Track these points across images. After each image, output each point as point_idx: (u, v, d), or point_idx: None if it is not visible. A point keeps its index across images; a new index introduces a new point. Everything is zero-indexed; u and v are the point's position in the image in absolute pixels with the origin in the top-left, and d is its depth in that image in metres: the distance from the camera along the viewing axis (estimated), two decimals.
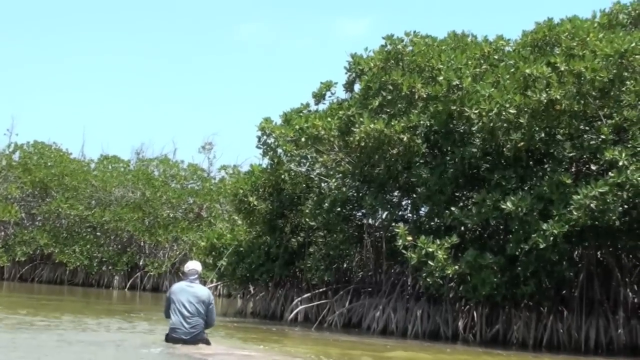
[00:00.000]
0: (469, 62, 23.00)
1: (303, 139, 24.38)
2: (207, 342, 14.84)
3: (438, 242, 21.81)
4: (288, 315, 26.83)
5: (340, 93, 26.73)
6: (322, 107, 27.48)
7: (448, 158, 23.39)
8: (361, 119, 23.27)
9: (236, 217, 47.45)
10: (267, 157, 26.70)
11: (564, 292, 23.41)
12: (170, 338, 14.66)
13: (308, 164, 25.89)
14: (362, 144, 23.34)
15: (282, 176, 26.90)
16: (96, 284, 48.72)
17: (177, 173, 51.80)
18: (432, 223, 24.01)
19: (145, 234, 47.03)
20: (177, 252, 47.43)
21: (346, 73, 26.28)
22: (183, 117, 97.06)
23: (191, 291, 14.64)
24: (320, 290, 26.84)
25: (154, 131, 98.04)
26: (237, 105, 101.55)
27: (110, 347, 15.20)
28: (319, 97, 26.99)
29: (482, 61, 23.69)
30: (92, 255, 48.05)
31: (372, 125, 22.83)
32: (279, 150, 26.28)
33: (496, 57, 24.07)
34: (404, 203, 25.47)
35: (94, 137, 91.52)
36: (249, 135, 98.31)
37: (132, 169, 52.84)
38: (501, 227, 23.14)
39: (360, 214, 26.28)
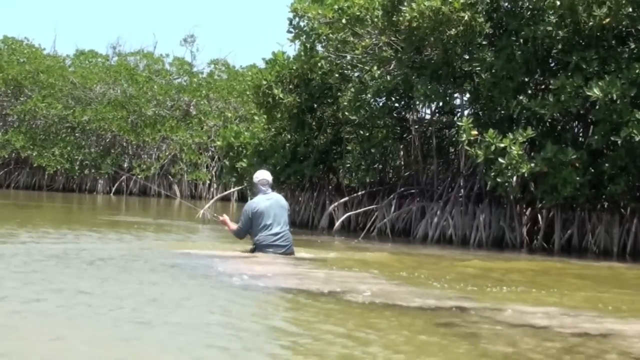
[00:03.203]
0: None
1: (344, 20, 21.48)
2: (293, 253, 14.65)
3: (511, 136, 19.13)
4: (325, 223, 24.25)
5: None
6: None
7: (514, 39, 20.58)
8: None
9: (230, 114, 45.20)
10: (299, 42, 23.68)
11: None
12: (265, 252, 14.31)
13: (348, 49, 22.82)
14: (414, 24, 20.57)
15: (319, 64, 23.87)
16: (77, 189, 46.35)
17: (162, 68, 48.73)
18: (494, 115, 21.24)
19: (130, 134, 44.25)
20: (167, 153, 44.63)
21: None
22: (161, 9, 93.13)
23: (275, 203, 14.43)
24: (359, 193, 24.17)
25: (130, 25, 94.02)
26: None
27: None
28: None
29: None
30: (73, 157, 45.87)
31: (426, 3, 19.98)
32: (313, 35, 23.18)
33: None
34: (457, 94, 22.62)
35: (65, 32, 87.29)
36: (231, 27, 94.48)
37: (112, 64, 49.60)
38: (586, 117, 20.40)
39: (404, 105, 23.42)
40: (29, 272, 11.75)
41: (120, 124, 44.93)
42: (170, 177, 45.77)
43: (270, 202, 14.39)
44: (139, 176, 44.92)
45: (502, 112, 21.04)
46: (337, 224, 23.67)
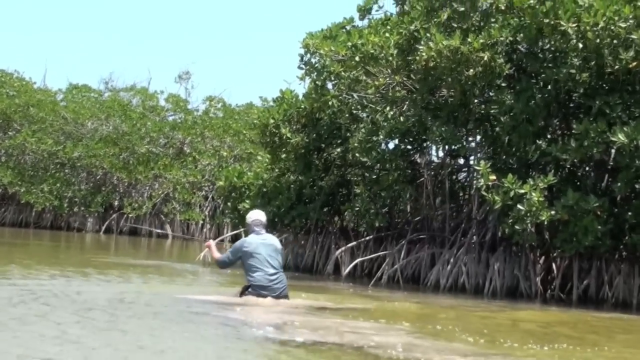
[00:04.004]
0: None
1: (357, 58, 21.01)
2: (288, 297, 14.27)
3: (531, 181, 18.62)
4: (331, 268, 23.67)
5: (388, 6, 23.43)
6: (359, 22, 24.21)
7: (534, 81, 20.13)
8: (428, 35, 20.08)
9: (225, 153, 44.60)
10: (310, 79, 23.16)
11: None
12: (257, 295, 13.94)
13: (360, 88, 22.29)
14: (431, 64, 20.14)
15: (330, 102, 23.34)
16: (66, 227, 45.50)
17: (156, 104, 48.15)
18: (511, 159, 20.75)
19: (122, 171, 43.49)
20: (159, 192, 43.87)
21: None
22: (156, 45, 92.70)
23: (268, 244, 14.17)
24: (367, 238, 23.57)
25: (123, 60, 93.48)
26: (213, 33, 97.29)
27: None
28: (364, 10, 23.72)
29: None
30: (62, 195, 44.91)
31: (444, 42, 19.53)
32: (325, 73, 22.69)
33: None
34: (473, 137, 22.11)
35: (57, 66, 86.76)
36: (226, 64, 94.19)
37: (104, 99, 49.03)
38: (606, 163, 19.90)
39: (417, 148, 22.89)
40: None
41: (112, 161, 44.24)
42: (162, 216, 45.04)
43: (263, 242, 14.14)
44: (130, 215, 44.16)
45: (520, 156, 20.52)
46: (347, 270, 23.03)
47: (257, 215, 14.57)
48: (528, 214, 18.84)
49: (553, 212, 18.76)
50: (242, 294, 14.16)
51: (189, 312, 13.00)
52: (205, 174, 44.79)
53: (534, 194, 18.65)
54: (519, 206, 18.87)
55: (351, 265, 23.08)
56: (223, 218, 42.42)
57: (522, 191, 18.79)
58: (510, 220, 19.25)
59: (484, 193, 19.44)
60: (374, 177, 23.49)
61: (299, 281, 21.08)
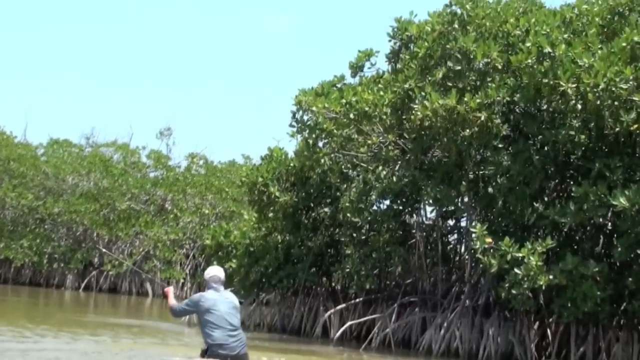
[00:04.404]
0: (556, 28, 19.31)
1: (351, 115, 20.45)
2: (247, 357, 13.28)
3: (529, 245, 18.03)
4: (319, 330, 22.89)
5: (381, 63, 23.01)
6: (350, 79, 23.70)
7: (531, 142, 19.64)
8: (423, 93, 19.56)
9: (207, 210, 43.82)
10: (302, 137, 22.56)
11: None
12: (216, 355, 12.75)
13: (352, 147, 21.69)
14: (425, 123, 19.62)
15: (322, 160, 22.73)
16: (45, 283, 44.46)
17: (138, 160, 47.39)
18: (507, 222, 20.18)
19: (103, 228, 42.57)
20: (140, 249, 42.96)
21: (389, 40, 22.95)
22: (137, 101, 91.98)
23: (227, 301, 12.97)
24: (357, 300, 22.86)
25: (105, 115, 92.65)
26: (195, 89, 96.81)
27: None
28: (356, 67, 23.22)
29: (563, 28, 19.93)
30: (42, 250, 43.71)
31: (440, 101, 19.02)
32: (317, 130, 22.06)
33: (580, 23, 20.34)
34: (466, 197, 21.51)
35: (38, 121, 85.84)
36: (208, 122, 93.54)
37: (86, 154, 48.25)
38: (605, 227, 19.36)
39: (410, 209, 22.30)
40: None
41: (92, 218, 43.39)
42: (142, 274, 44.09)
43: (221, 299, 13.00)
44: (111, 272, 43.23)
45: (516, 219, 19.95)
46: (338, 333, 22.30)
47: (215, 272, 13.33)
48: (525, 279, 18.26)
49: (551, 277, 18.15)
50: (202, 356, 13.12)
51: None
52: (186, 232, 43.93)
53: (532, 258, 18.09)
54: (515, 270, 18.30)
55: (342, 329, 22.32)
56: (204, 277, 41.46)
57: (520, 255, 18.20)
58: (507, 285, 18.63)
59: (480, 256, 18.87)
60: (365, 237, 22.84)
61: (287, 344, 20.41)
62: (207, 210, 44.20)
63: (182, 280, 44.12)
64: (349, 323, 22.53)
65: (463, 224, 22.78)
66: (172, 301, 14.07)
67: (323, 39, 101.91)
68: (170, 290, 14.58)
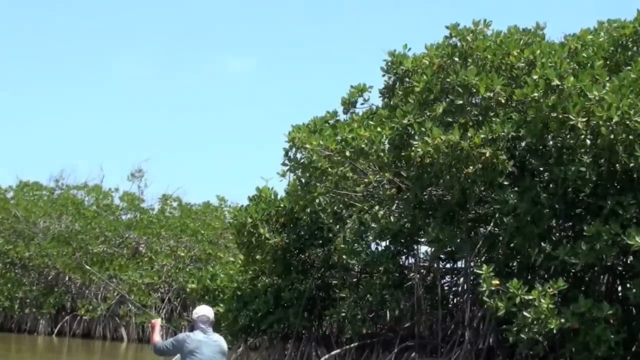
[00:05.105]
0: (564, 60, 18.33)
1: (347, 153, 19.32)
2: None
3: (539, 287, 16.89)
4: None
5: (374, 99, 21.97)
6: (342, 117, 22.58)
7: (538, 179, 18.57)
8: (422, 129, 18.47)
9: (182, 253, 42.48)
10: (295, 176, 21.39)
11: None
12: None
13: (348, 185, 20.52)
14: (427, 160, 18.45)
15: (317, 200, 21.55)
16: (16, 329, 42.85)
17: (111, 202, 46.05)
18: (513, 263, 19.08)
19: (76, 272, 41.12)
20: (115, 293, 41.47)
21: (383, 75, 21.73)
22: (107, 143, 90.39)
23: (214, 344, 12.29)
24: (352, 345, 21.64)
25: (74, 157, 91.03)
26: (167, 131, 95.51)
27: None
28: (349, 104, 22.10)
29: (569, 60, 18.94)
30: (13, 295, 42.02)
31: (442, 137, 17.91)
32: (311, 169, 20.83)
33: (585, 55, 19.40)
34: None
35: (5, 163, 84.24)
36: (180, 163, 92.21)
37: (56, 197, 46.88)
38: (616, 268, 18.31)
39: (408, 250, 21.19)
40: None
41: (65, 261, 41.92)
42: (117, 318, 42.65)
43: (208, 342, 12.25)
44: (85, 317, 41.74)
45: (522, 260, 18.85)
46: None
47: (204, 311, 12.69)
48: (535, 322, 17.06)
49: (562, 320, 16.99)
50: None
51: None
52: (161, 275, 42.52)
53: (542, 300, 16.91)
54: (524, 313, 17.10)
55: None
56: (180, 321, 40.31)
57: (530, 297, 17.03)
58: (515, 328, 17.44)
59: (486, 299, 17.64)
60: (359, 280, 21.67)
61: None
62: (183, 253, 42.90)
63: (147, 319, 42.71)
64: None
65: (460, 264, 21.62)
66: (156, 337, 12.92)
67: (286, 79, 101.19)
68: (158, 323, 13.34)
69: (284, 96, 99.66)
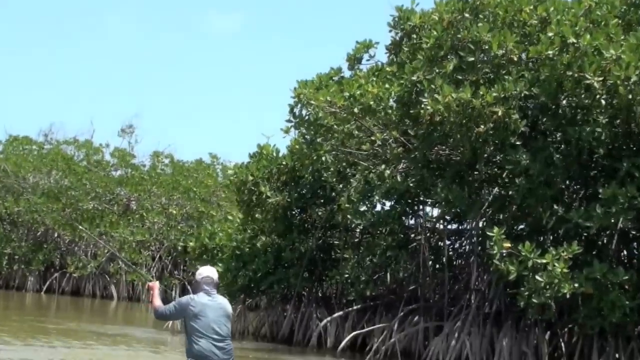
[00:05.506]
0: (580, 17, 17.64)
1: (356, 110, 18.59)
2: None
3: (553, 251, 16.27)
4: (314, 340, 21.19)
5: (380, 55, 21.25)
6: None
7: (551, 140, 17.91)
8: (432, 86, 17.74)
9: (174, 211, 41.66)
10: (299, 133, 20.67)
11: None
12: None
13: (354, 143, 19.82)
14: (436, 118, 17.75)
15: (323, 158, 20.83)
16: (4, 286, 42.09)
17: (102, 158, 45.15)
18: (523, 226, 18.46)
19: (66, 228, 40.26)
20: (105, 250, 40.65)
21: (390, 31, 21.01)
22: (98, 96, 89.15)
23: (218, 307, 11.42)
24: (354, 308, 21.03)
25: (64, 111, 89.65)
26: (158, 86, 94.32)
27: None
28: (354, 60, 21.32)
29: (583, 18, 18.23)
30: (2, 251, 41.41)
31: (453, 95, 17.19)
32: (317, 126, 20.09)
33: (599, 13, 18.66)
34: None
35: None
36: (172, 120, 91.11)
37: (46, 152, 45.93)
38: (628, 232, 17.73)
39: (416, 210, 20.54)
40: None
41: (54, 218, 41.02)
42: (107, 276, 41.92)
43: (213, 304, 11.51)
44: (74, 274, 40.94)
45: (533, 222, 18.21)
46: (342, 343, 20.42)
47: (208, 272, 11.74)
48: (548, 287, 16.47)
49: (576, 285, 16.40)
50: None
51: None
52: (153, 233, 41.71)
53: (557, 264, 16.30)
54: (537, 278, 16.49)
55: (347, 339, 20.46)
56: (171, 280, 39.69)
57: (544, 261, 16.42)
58: (527, 293, 16.83)
59: (497, 262, 17.01)
60: (361, 241, 21.04)
61: (281, 355, 18.54)
62: (174, 210, 42.08)
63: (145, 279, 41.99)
64: (354, 333, 20.65)
65: (467, 226, 20.99)
66: (157, 301, 12.19)
67: (278, 34, 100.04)
68: (156, 286, 12.70)
69: (274, 54, 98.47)
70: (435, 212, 21.10)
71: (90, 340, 18.23)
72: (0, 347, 15.02)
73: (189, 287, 39.50)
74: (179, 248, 40.81)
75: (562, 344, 19.13)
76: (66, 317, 27.86)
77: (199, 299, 11.48)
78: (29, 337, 17.29)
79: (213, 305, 11.46)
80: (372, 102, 18.84)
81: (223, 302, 11.79)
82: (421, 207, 20.69)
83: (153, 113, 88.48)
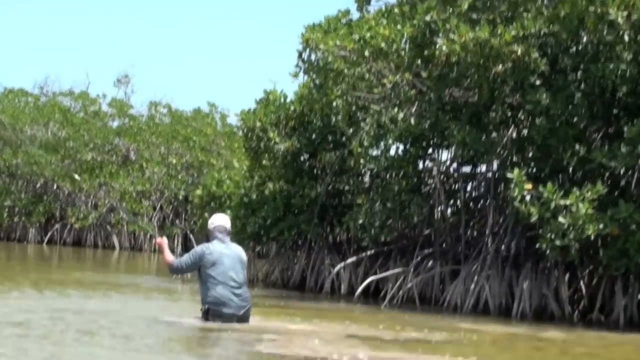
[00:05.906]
0: None
1: (367, 53, 17.93)
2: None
3: (577, 192, 15.69)
4: (328, 286, 20.78)
5: None
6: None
7: (572, 79, 17.25)
8: (447, 26, 17.05)
9: (174, 160, 41.02)
10: (309, 78, 20.02)
11: None
12: (218, 314, 11.75)
13: (365, 87, 19.17)
14: (452, 59, 17.10)
15: (334, 103, 20.20)
16: (6, 238, 41.81)
17: (99, 109, 44.47)
18: (544, 166, 17.86)
19: (65, 180, 39.69)
20: (106, 201, 40.12)
21: None
22: (93, 48, 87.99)
23: (234, 254, 12.04)
24: (369, 253, 20.53)
25: (59, 63, 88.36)
26: (153, 35, 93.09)
27: None
28: (363, 1, 20.53)
29: None
30: (2, 204, 40.88)
31: (470, 34, 16.53)
32: (327, 70, 19.40)
33: None
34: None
35: None
36: (167, 68, 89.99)
37: (43, 104, 45.23)
38: None
39: (430, 153, 20.00)
40: None
41: (53, 169, 40.43)
42: (108, 227, 41.42)
43: (228, 252, 12.01)
44: (75, 225, 40.48)
45: (554, 163, 17.61)
46: (359, 289, 19.93)
47: (221, 220, 12.41)
48: (572, 228, 15.89)
49: (601, 226, 15.82)
50: (206, 318, 11.88)
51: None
52: (153, 183, 41.14)
53: (581, 205, 15.71)
54: (560, 219, 15.90)
55: (363, 285, 19.98)
56: (173, 229, 39.20)
57: (568, 202, 15.82)
58: (549, 235, 16.25)
59: (517, 204, 16.42)
60: (371, 186, 20.50)
61: (297, 301, 18.05)
62: (174, 159, 41.47)
63: (149, 233, 41.47)
64: (369, 279, 20.11)
65: (483, 169, 20.43)
66: (169, 256, 12.38)
67: None
68: (165, 242, 12.50)
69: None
70: (449, 155, 20.40)
71: (106, 290, 17.76)
72: (29, 295, 14.92)
73: (190, 236, 39.17)
74: (180, 197, 40.36)
75: (583, 286, 18.62)
76: (75, 267, 27.44)
77: (214, 247, 11.97)
78: (46, 288, 16.80)
79: (229, 253, 11.95)
80: (383, 44, 18.17)
81: (238, 249, 12.30)
82: (437, 149, 20.02)
83: (148, 63, 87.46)
